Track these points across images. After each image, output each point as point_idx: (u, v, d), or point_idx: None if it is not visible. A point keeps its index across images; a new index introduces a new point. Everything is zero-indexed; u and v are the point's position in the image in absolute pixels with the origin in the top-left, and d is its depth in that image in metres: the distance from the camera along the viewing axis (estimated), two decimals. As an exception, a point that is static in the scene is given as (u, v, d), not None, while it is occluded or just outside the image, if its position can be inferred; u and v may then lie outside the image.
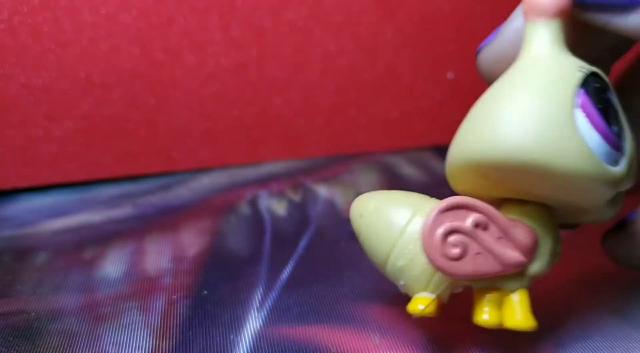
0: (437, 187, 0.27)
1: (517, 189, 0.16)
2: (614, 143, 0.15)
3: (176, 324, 0.19)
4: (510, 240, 0.16)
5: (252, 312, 0.20)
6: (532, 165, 0.15)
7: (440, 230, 0.16)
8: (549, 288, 0.21)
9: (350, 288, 0.21)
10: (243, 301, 0.20)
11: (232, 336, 0.18)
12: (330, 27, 0.36)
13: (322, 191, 0.31)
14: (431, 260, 0.16)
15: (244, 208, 0.30)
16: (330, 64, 0.36)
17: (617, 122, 0.16)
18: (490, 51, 0.18)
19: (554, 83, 0.15)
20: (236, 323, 0.19)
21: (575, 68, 0.16)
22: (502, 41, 0.17)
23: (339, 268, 0.22)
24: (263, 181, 0.34)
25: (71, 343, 0.18)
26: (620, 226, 0.19)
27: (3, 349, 0.18)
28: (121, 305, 0.20)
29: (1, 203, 0.31)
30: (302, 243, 0.25)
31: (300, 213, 0.29)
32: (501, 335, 0.18)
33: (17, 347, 0.18)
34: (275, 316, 0.19)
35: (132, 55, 0.33)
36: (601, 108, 0.15)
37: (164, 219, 0.28)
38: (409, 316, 0.16)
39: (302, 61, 0.36)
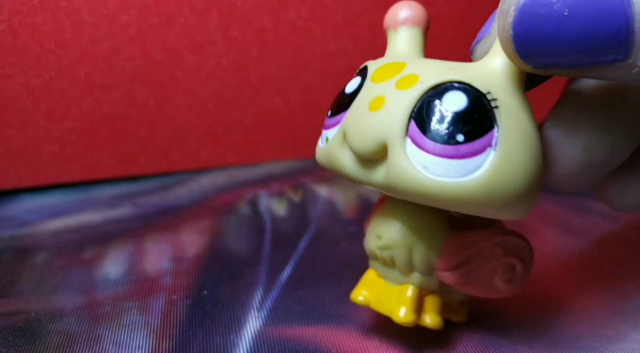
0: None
1: None
2: (458, 154, 0.14)
3: (176, 324, 0.19)
4: None
5: (252, 312, 0.20)
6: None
7: None
8: (547, 288, 0.21)
9: (350, 288, 0.21)
10: (243, 301, 0.20)
11: (232, 336, 0.18)
12: (330, 27, 0.36)
13: (322, 191, 0.31)
14: None
15: (244, 208, 0.30)
16: (330, 64, 0.36)
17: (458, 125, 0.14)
18: (484, 46, 0.17)
19: None
20: (236, 323, 0.19)
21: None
22: (494, 36, 0.16)
23: (339, 268, 0.22)
24: (263, 181, 0.34)
25: (71, 343, 0.18)
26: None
27: (3, 349, 0.18)
28: (121, 305, 0.20)
29: (1, 203, 0.31)
30: (302, 243, 0.25)
31: (300, 213, 0.29)
32: (500, 335, 0.18)
33: (17, 347, 0.18)
34: (275, 316, 0.19)
35: (132, 55, 0.33)
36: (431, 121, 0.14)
37: (164, 219, 0.28)
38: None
39: (302, 61, 0.36)
